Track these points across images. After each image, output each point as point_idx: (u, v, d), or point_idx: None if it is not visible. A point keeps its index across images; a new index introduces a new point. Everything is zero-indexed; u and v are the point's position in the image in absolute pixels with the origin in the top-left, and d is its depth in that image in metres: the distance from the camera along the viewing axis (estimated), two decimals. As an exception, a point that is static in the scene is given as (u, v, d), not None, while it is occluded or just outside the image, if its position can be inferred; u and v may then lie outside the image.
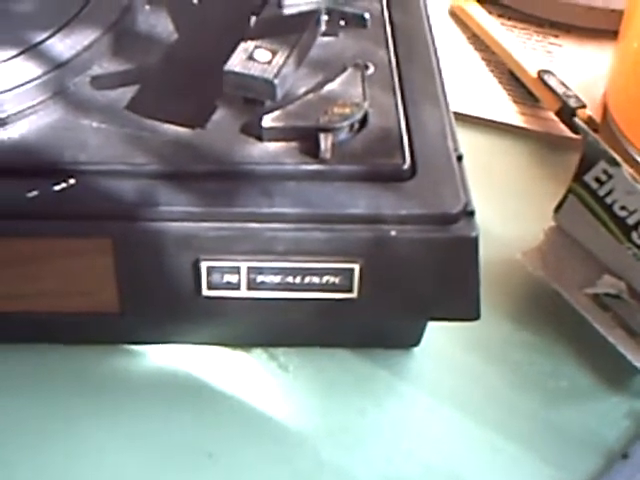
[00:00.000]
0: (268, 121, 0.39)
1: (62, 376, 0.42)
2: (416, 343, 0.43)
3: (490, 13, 0.62)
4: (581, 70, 0.58)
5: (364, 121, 0.40)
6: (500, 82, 0.58)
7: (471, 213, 0.38)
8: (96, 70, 0.43)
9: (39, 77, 0.40)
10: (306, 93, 0.40)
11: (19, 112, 0.40)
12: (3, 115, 0.40)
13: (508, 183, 0.53)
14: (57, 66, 0.41)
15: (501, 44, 0.59)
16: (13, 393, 0.41)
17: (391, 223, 0.37)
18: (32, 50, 0.42)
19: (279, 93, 0.36)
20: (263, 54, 0.37)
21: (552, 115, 0.55)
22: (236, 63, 0.37)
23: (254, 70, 0.36)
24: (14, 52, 0.42)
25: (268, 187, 0.38)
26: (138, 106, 0.41)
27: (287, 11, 0.34)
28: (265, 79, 0.36)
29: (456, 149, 0.40)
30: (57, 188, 0.37)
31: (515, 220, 0.49)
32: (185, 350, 0.43)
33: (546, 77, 0.55)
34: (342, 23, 0.40)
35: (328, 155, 0.38)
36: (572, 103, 0.53)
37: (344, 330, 0.43)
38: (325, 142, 0.38)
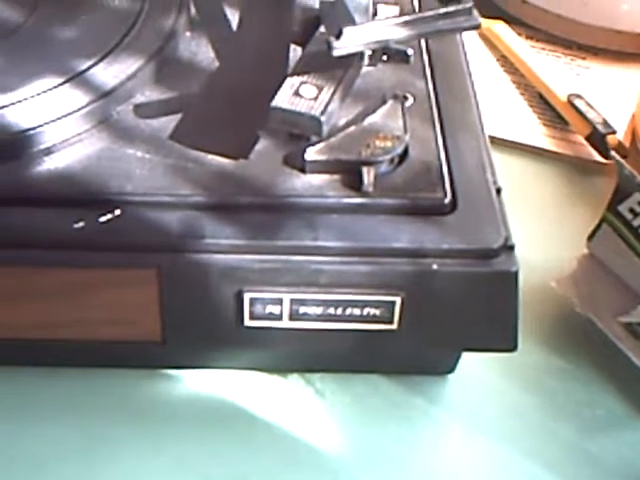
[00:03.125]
0: (311, 154, 0.38)
1: (103, 400, 0.41)
2: (451, 370, 0.43)
3: (519, 35, 0.62)
4: (609, 93, 0.58)
5: (405, 154, 0.39)
6: (530, 105, 0.57)
7: (511, 247, 0.37)
8: (139, 98, 0.42)
9: (83, 107, 0.40)
10: (348, 125, 0.39)
11: (64, 141, 0.40)
12: (49, 144, 0.39)
13: (537, 206, 0.52)
14: (101, 95, 0.41)
15: (530, 67, 0.58)
16: (55, 418, 0.40)
17: (433, 257, 0.37)
18: (76, 79, 0.41)
19: (325, 130, 0.36)
20: (309, 90, 0.36)
21: (582, 139, 0.54)
22: (283, 99, 0.36)
23: (301, 107, 0.36)
24: (59, 80, 0.41)
25: (311, 220, 0.37)
26: (181, 136, 0.40)
27: (336, 53, 0.34)
28: (312, 116, 0.35)
29: (495, 181, 0.40)
30: (103, 219, 0.37)
31: (546, 245, 0.49)
32: (222, 375, 0.43)
33: (576, 101, 0.55)
34: (384, 57, 0.39)
35: (371, 189, 0.37)
36: (602, 129, 0.53)
37: (380, 357, 0.43)
38: (368, 176, 0.38)
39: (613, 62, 0.60)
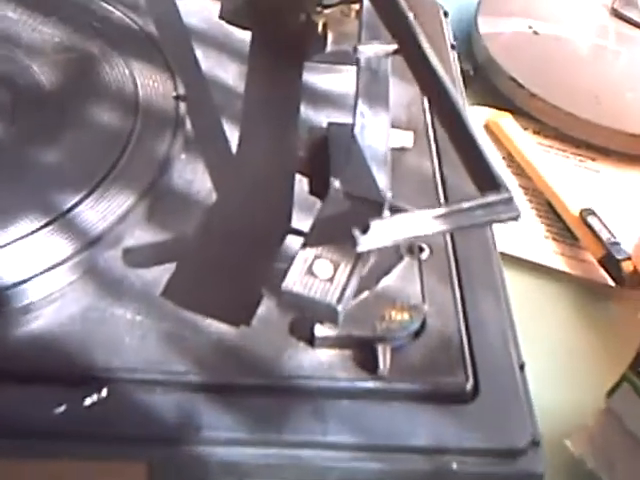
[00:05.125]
0: (322, 330, 0.34)
1: None
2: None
3: (525, 129, 0.58)
4: (621, 202, 0.54)
5: (422, 324, 0.35)
6: (539, 215, 0.53)
7: (537, 443, 0.33)
8: (129, 241, 0.38)
9: (67, 258, 0.36)
10: (361, 289, 0.35)
11: (44, 298, 0.35)
12: (26, 302, 0.35)
13: (547, 334, 0.48)
14: (88, 243, 0.36)
15: (539, 173, 0.54)
16: None
17: (452, 454, 0.33)
18: (59, 221, 0.37)
19: (341, 318, 0.32)
20: (324, 267, 0.32)
21: (593, 258, 0.51)
22: (295, 280, 0.32)
23: (315, 291, 0.31)
24: (38, 223, 0.36)
25: (321, 407, 0.33)
26: (176, 292, 0.36)
27: (361, 249, 0.29)
28: (327, 305, 0.31)
29: (519, 355, 0.36)
30: (88, 402, 0.32)
31: (558, 384, 0.45)
32: None
33: (589, 218, 0.51)
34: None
35: (386, 372, 0.33)
36: (617, 253, 0.49)
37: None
38: (383, 356, 0.33)
39: (625, 165, 0.57)
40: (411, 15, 0.38)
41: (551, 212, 0.54)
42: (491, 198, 0.29)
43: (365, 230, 0.28)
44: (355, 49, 0.37)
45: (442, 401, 0.34)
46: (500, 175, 0.30)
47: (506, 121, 0.58)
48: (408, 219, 0.29)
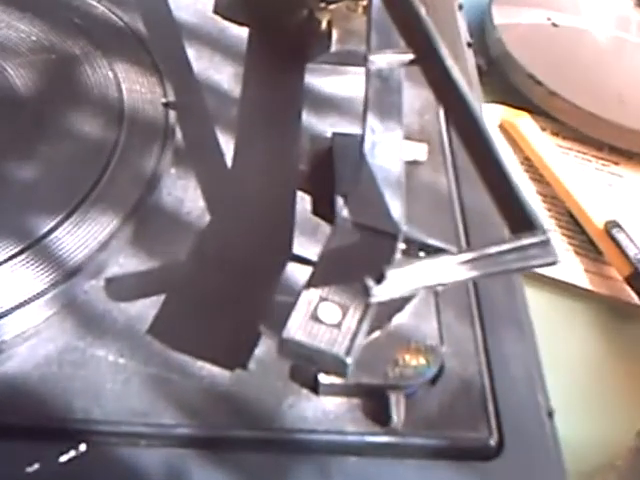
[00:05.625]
0: (326, 377, 0.30)
1: None
2: None
3: (544, 130, 0.54)
4: (646, 211, 0.51)
5: (440, 369, 0.32)
6: (559, 225, 0.50)
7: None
8: (112, 269, 0.34)
9: (43, 291, 0.32)
10: (371, 330, 0.31)
11: (17, 336, 0.32)
12: (-3, 341, 0.31)
13: (572, 358, 0.45)
14: (67, 274, 0.33)
15: (560, 180, 0.51)
16: None
17: (474, 519, 0.29)
18: (34, 248, 0.33)
19: (351, 370, 0.28)
20: (330, 312, 0.28)
21: (619, 275, 0.47)
22: (297, 326, 0.28)
23: (320, 339, 0.28)
24: (8, 252, 0.33)
25: (325, 464, 0.30)
26: (163, 331, 0.32)
27: (375, 300, 0.26)
28: (335, 355, 0.28)
29: (547, 401, 0.32)
30: (64, 459, 0.29)
31: (581, 416, 0.42)
32: None
33: (614, 232, 0.47)
34: (422, 254, 0.32)
35: (400, 425, 0.30)
36: (645, 271, 0.46)
37: None
38: (396, 406, 0.30)
39: (650, 170, 0.53)
40: (424, 11, 0.34)
41: (572, 223, 0.50)
42: (525, 241, 0.26)
43: (380, 279, 0.25)
44: (366, 59, 0.33)
45: (462, 457, 0.30)
46: (536, 214, 0.27)
47: (523, 121, 0.54)
48: (429, 266, 0.25)
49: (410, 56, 0.32)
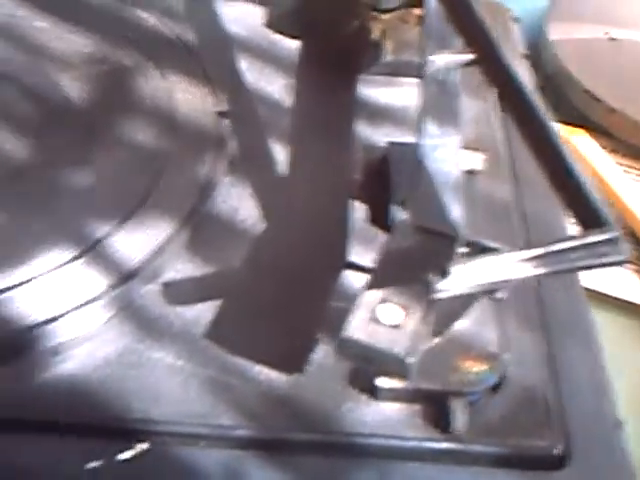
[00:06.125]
0: (386, 380, 0.32)
1: None
2: None
3: (603, 148, 0.56)
4: None
5: (502, 376, 0.33)
6: (620, 245, 0.51)
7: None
8: (168, 274, 0.36)
9: (101, 294, 0.34)
10: (432, 335, 0.33)
11: (75, 338, 0.34)
12: (57, 342, 0.34)
13: (630, 382, 0.46)
14: (124, 278, 0.35)
15: (621, 198, 0.52)
16: None
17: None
18: (90, 253, 0.36)
19: (413, 371, 0.30)
20: (391, 313, 0.30)
21: (683, 295, 0.49)
22: (357, 327, 0.30)
23: (380, 340, 0.30)
24: (67, 256, 0.35)
25: (384, 468, 0.31)
26: (220, 335, 0.34)
27: (438, 297, 0.28)
28: (395, 356, 0.30)
29: (614, 411, 0.34)
30: (123, 457, 0.31)
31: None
32: None
33: (678, 250, 0.49)
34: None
35: (462, 430, 0.32)
36: None
37: None
38: (458, 413, 0.32)
39: None
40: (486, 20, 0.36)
41: (634, 242, 0.52)
42: (593, 238, 0.27)
43: (443, 275, 0.27)
44: (424, 60, 0.35)
45: (526, 466, 0.31)
46: (604, 210, 0.28)
47: (581, 139, 0.56)
48: (494, 262, 0.27)
49: (469, 56, 0.34)
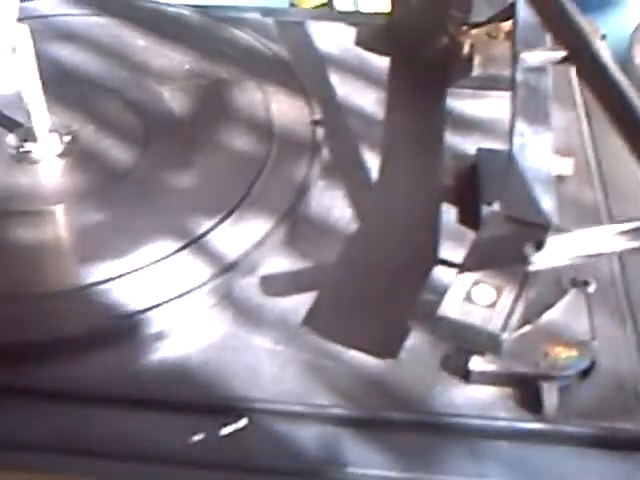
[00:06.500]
0: (478, 363, 0.34)
1: None
2: None
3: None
4: None
5: (592, 362, 0.35)
6: None
7: None
8: (266, 268, 0.39)
9: (203, 283, 0.37)
10: (522, 322, 0.35)
11: (180, 324, 0.37)
12: (162, 328, 0.36)
13: None
14: (225, 268, 0.37)
15: None
16: None
17: (629, 508, 0.32)
18: (194, 244, 0.38)
19: (505, 347, 0.32)
20: (485, 293, 0.32)
21: None
22: (452, 306, 0.32)
23: (475, 318, 0.31)
24: (174, 246, 0.38)
25: (476, 447, 0.33)
26: (316, 323, 0.37)
27: (534, 269, 0.30)
28: (489, 333, 0.31)
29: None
30: (225, 431, 0.33)
31: None
32: None
33: None
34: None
35: (553, 412, 0.33)
36: None
37: None
38: (549, 395, 0.33)
39: None
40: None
41: None
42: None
43: (539, 247, 0.28)
44: (516, 57, 0.37)
45: (616, 447, 0.33)
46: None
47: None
48: (588, 235, 0.28)
49: (561, 53, 0.36)
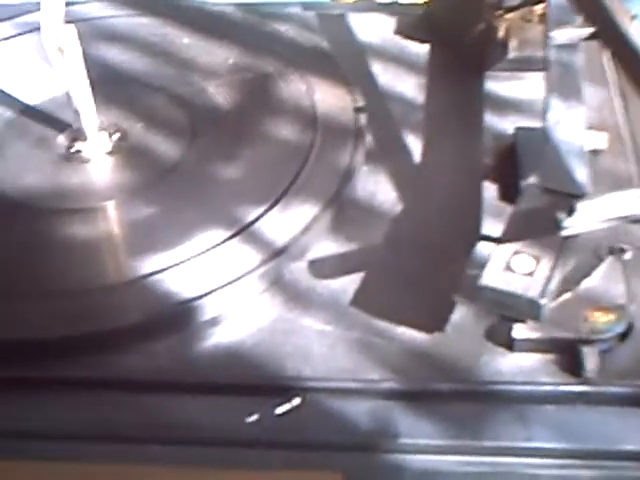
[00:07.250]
0: (521, 331, 0.36)
1: None
2: None
3: None
4: None
5: (629, 326, 0.37)
6: None
7: None
8: (314, 252, 0.41)
9: (254, 269, 0.39)
10: (561, 290, 0.37)
11: (232, 310, 0.39)
12: (215, 314, 0.39)
13: None
14: (274, 254, 0.40)
15: None
16: None
17: (672, 461, 0.34)
18: (244, 232, 0.41)
19: (545, 313, 0.34)
20: (524, 262, 0.34)
21: None
22: (493, 276, 0.34)
23: (515, 286, 0.34)
24: (224, 235, 0.41)
25: (522, 412, 0.35)
26: (365, 301, 0.39)
27: (567, 233, 0.32)
28: (529, 299, 0.33)
29: None
30: (280, 411, 0.36)
31: None
32: None
33: None
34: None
35: (594, 374, 0.35)
36: None
37: None
38: (590, 358, 0.35)
39: None
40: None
41: None
42: None
43: (571, 212, 0.30)
44: (547, 36, 0.39)
45: (655, 405, 0.35)
46: None
47: None
48: (618, 198, 0.30)
49: (590, 30, 0.38)
